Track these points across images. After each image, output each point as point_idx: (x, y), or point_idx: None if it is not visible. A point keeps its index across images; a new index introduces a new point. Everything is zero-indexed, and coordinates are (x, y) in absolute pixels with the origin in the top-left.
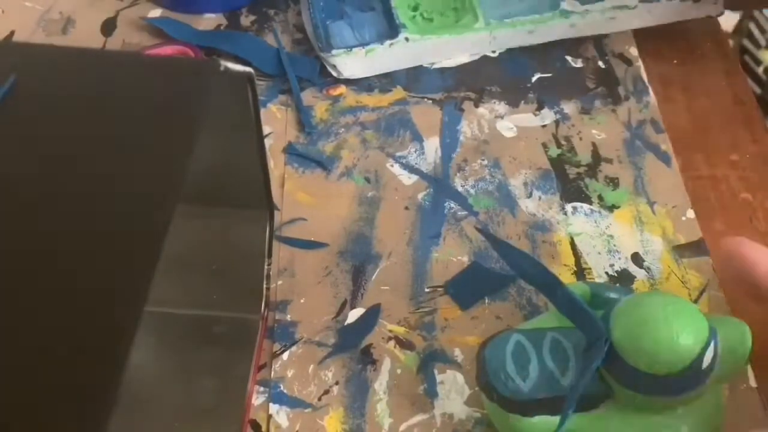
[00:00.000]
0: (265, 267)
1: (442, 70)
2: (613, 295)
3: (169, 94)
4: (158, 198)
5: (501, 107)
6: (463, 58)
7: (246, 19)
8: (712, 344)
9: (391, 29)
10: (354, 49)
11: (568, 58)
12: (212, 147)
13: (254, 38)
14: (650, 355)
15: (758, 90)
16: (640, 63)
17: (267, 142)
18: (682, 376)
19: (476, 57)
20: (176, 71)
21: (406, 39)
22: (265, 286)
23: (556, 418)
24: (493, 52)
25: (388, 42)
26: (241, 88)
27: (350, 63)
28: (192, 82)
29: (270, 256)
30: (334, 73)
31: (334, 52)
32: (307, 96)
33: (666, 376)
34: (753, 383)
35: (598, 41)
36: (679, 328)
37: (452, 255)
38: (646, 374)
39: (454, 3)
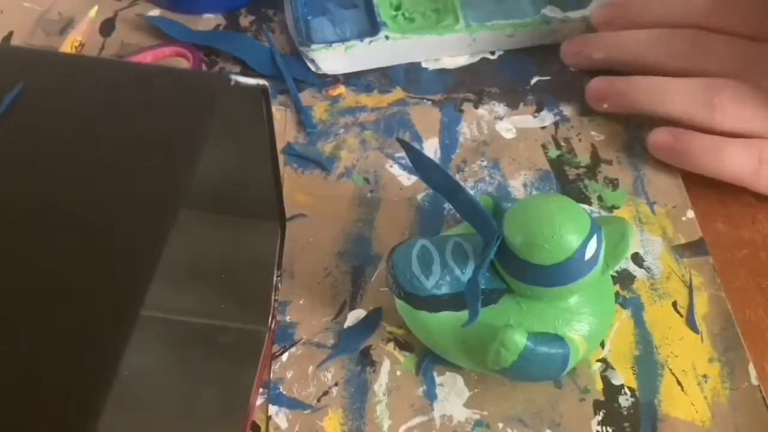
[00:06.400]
0: (275, 279)
1: (442, 71)
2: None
3: (177, 106)
4: (158, 207)
5: (500, 108)
6: (462, 60)
7: (245, 20)
8: (594, 237)
9: (372, 27)
10: (333, 45)
11: None
12: (225, 157)
13: (251, 39)
14: (536, 246)
15: None
16: None
17: None
18: (567, 266)
19: (476, 59)
20: (185, 83)
21: (387, 37)
22: (273, 297)
23: (460, 314)
24: (492, 53)
25: (368, 39)
26: (255, 100)
27: (329, 58)
28: (201, 94)
29: (280, 267)
30: (313, 68)
31: (313, 46)
32: (306, 96)
33: (552, 266)
34: (755, 381)
35: None
36: (562, 221)
37: None
38: (534, 265)
39: (436, 4)
